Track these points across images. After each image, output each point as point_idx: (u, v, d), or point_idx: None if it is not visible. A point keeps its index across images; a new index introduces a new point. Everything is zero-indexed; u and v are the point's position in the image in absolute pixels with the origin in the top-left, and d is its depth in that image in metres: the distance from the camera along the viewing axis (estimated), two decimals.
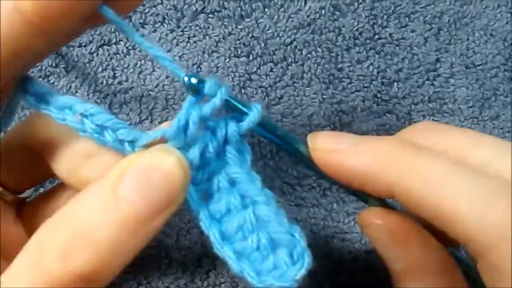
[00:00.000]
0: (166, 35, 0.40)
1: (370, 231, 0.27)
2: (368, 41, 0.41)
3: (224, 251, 0.23)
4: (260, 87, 0.40)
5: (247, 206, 0.25)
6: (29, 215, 0.31)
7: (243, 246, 0.24)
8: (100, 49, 0.39)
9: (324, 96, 0.40)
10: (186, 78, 0.25)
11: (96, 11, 0.24)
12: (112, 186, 0.22)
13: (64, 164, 0.27)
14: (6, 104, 0.26)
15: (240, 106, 0.26)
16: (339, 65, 0.41)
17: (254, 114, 0.25)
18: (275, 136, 0.27)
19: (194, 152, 0.24)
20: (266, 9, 0.41)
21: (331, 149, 0.26)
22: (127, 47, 0.40)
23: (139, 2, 0.27)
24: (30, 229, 0.30)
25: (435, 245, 0.26)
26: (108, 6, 0.24)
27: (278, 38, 0.40)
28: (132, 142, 0.24)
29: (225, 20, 0.40)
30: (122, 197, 0.22)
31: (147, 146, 0.24)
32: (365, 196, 0.27)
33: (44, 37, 0.23)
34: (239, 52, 0.40)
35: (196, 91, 0.24)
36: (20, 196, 0.31)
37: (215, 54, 0.40)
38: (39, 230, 0.23)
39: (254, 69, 0.40)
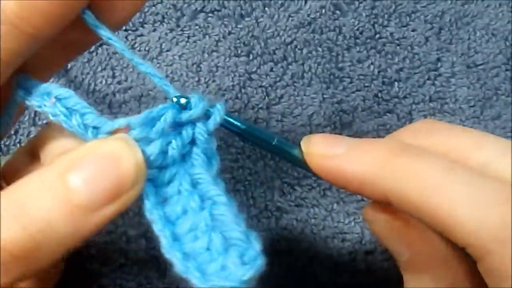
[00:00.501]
0: (166, 34, 0.40)
1: (374, 225, 0.27)
2: (369, 40, 0.41)
3: (172, 252, 0.22)
4: (260, 86, 0.40)
5: (205, 208, 0.24)
6: None
7: (193, 247, 0.23)
8: (99, 48, 0.39)
9: (324, 96, 0.40)
10: (174, 99, 0.24)
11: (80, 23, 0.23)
12: (61, 170, 0.22)
13: (53, 154, 0.26)
14: (8, 104, 0.26)
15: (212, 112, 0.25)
16: (340, 65, 0.40)
17: (217, 112, 0.25)
18: (257, 138, 0.27)
19: (155, 147, 0.23)
20: (266, 8, 0.41)
21: (326, 154, 0.26)
22: (126, 47, 0.40)
23: (136, 9, 0.27)
24: None
25: (437, 237, 0.26)
26: (95, 15, 0.24)
27: (278, 38, 0.40)
28: (96, 129, 0.24)
29: (225, 19, 0.40)
30: (67, 182, 0.21)
31: (112, 134, 0.23)
32: None
33: (29, 42, 0.23)
34: (239, 52, 0.40)
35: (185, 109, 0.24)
36: None
37: (215, 53, 0.40)
38: None
39: (254, 69, 0.40)
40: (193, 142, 0.25)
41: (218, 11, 0.40)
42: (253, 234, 0.23)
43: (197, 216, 0.24)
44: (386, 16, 0.41)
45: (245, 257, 0.22)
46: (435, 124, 0.28)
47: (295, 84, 0.40)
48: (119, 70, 0.39)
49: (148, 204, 0.23)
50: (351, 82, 0.40)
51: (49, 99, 0.24)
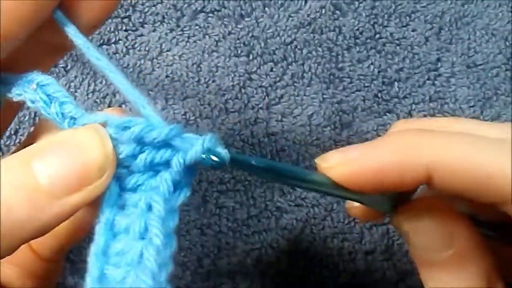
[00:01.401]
0: (166, 34, 0.40)
1: (410, 226, 0.26)
2: (368, 40, 0.41)
3: (92, 264, 0.21)
4: (260, 86, 0.40)
5: (143, 239, 0.22)
6: None
7: (111, 272, 0.22)
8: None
9: (324, 96, 0.40)
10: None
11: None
12: (26, 156, 0.21)
13: None
14: None
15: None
16: (340, 65, 0.40)
17: (199, 145, 0.22)
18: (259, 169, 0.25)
19: (127, 147, 0.22)
20: (266, 8, 0.41)
21: (348, 158, 0.25)
22: (126, 47, 0.40)
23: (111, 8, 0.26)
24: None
25: (476, 231, 0.26)
26: (67, 16, 0.24)
27: (278, 38, 0.40)
28: (73, 119, 0.23)
29: (225, 19, 0.40)
30: (31, 168, 0.21)
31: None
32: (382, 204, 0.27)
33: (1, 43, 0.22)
34: (239, 52, 0.40)
35: None
36: None
37: (215, 53, 0.40)
38: None
39: (254, 69, 0.40)
40: (167, 163, 0.23)
41: (218, 11, 0.40)
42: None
43: (132, 243, 0.22)
44: (386, 16, 0.41)
45: None
46: (431, 121, 0.28)
47: (295, 84, 0.40)
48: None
49: (105, 202, 0.22)
50: (351, 82, 0.40)
51: (30, 85, 0.24)
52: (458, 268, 0.25)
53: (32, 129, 0.38)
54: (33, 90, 0.24)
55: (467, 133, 0.25)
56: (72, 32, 0.24)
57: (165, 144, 0.22)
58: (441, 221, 0.26)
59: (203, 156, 0.22)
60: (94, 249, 0.22)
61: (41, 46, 0.26)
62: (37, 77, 0.24)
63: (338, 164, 0.25)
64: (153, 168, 0.23)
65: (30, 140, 0.28)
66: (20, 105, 0.26)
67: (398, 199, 0.26)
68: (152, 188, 0.23)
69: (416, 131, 0.25)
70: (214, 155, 0.22)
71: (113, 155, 0.22)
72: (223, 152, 0.22)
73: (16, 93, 0.24)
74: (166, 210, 0.22)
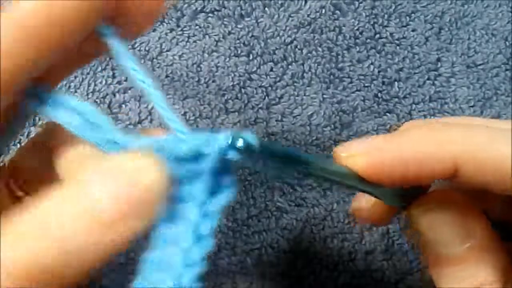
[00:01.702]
0: (166, 34, 0.40)
1: (428, 216, 0.25)
2: (368, 40, 0.41)
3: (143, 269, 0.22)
4: (260, 86, 0.40)
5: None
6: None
7: (151, 277, 0.22)
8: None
9: (324, 96, 0.40)
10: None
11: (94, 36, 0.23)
12: (86, 184, 0.21)
13: (70, 163, 0.26)
14: (18, 115, 0.26)
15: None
16: (340, 65, 0.40)
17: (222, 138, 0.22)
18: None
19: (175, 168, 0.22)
20: (266, 8, 0.41)
21: (374, 148, 0.24)
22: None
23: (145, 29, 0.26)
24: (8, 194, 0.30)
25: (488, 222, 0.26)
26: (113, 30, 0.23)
27: (278, 38, 0.40)
28: (117, 144, 0.23)
29: (225, 19, 0.40)
30: (93, 198, 0.21)
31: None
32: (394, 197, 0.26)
33: (45, 49, 0.22)
34: (239, 52, 0.40)
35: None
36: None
37: (215, 53, 0.40)
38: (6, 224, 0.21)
39: (254, 69, 0.40)
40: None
41: (218, 11, 0.40)
42: None
43: (170, 249, 0.22)
44: (386, 16, 0.41)
45: None
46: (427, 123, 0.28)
47: (295, 84, 0.40)
48: (119, 70, 0.39)
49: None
50: (351, 82, 0.40)
51: (71, 113, 0.24)
52: (475, 262, 0.25)
53: (32, 129, 0.38)
54: (73, 115, 0.24)
55: (486, 126, 0.24)
56: (117, 48, 0.24)
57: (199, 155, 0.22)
58: (457, 213, 0.25)
59: (230, 142, 0.22)
60: (148, 257, 0.22)
61: (76, 56, 0.26)
62: (77, 105, 0.24)
63: (360, 153, 0.24)
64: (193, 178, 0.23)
65: (38, 143, 0.28)
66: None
67: (411, 192, 0.26)
68: (192, 197, 0.23)
69: (441, 123, 0.25)
70: (240, 141, 0.22)
71: (169, 182, 0.22)
72: (250, 136, 0.22)
73: (54, 116, 0.24)
74: (201, 215, 0.22)
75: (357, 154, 0.24)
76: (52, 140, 0.27)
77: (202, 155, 0.22)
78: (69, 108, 0.24)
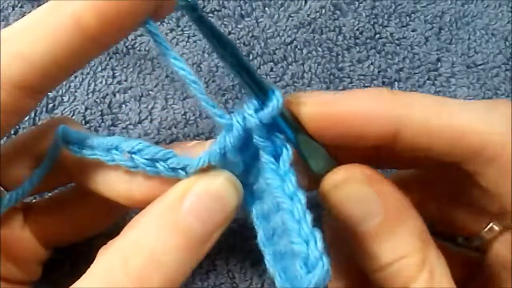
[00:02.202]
0: (166, 34, 0.40)
1: (340, 192, 0.26)
2: (368, 40, 0.41)
3: (264, 252, 0.25)
4: None
5: (280, 210, 0.25)
6: (35, 219, 0.31)
7: (276, 249, 0.25)
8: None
9: None
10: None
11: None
12: (173, 211, 0.24)
13: (102, 177, 0.27)
14: (48, 155, 0.28)
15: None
16: (340, 65, 0.40)
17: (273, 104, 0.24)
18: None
19: (239, 169, 0.25)
20: (266, 8, 0.41)
21: (323, 100, 0.25)
22: (126, 47, 0.40)
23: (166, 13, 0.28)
24: (36, 232, 0.31)
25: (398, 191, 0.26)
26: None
27: (278, 38, 0.40)
28: (183, 168, 0.25)
29: (225, 19, 0.40)
30: (183, 221, 0.23)
31: (198, 169, 0.25)
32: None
33: (97, 49, 0.24)
34: None
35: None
36: (28, 201, 0.31)
37: (215, 53, 0.40)
38: (106, 257, 0.24)
39: (254, 69, 0.40)
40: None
41: (218, 11, 0.40)
42: (315, 237, 0.23)
43: (275, 219, 0.25)
44: (386, 16, 0.41)
45: (308, 265, 0.22)
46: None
47: (295, 84, 0.40)
48: (119, 70, 0.39)
49: (245, 205, 0.26)
50: (351, 82, 0.40)
51: (121, 153, 0.25)
52: (389, 236, 0.24)
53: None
54: (128, 158, 0.25)
55: (436, 96, 0.26)
56: (162, 42, 0.25)
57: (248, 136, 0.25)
58: (365, 187, 0.25)
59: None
60: (260, 243, 0.25)
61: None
62: (125, 144, 0.25)
63: (311, 103, 0.25)
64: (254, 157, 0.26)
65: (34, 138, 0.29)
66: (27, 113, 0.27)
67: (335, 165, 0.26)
68: (261, 171, 0.25)
69: (390, 90, 0.26)
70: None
71: (241, 189, 0.25)
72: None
73: (108, 160, 0.26)
74: (281, 176, 0.24)
75: (308, 103, 0.25)
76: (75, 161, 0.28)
77: (248, 135, 0.25)
78: (121, 151, 0.25)
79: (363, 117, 0.25)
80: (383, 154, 0.27)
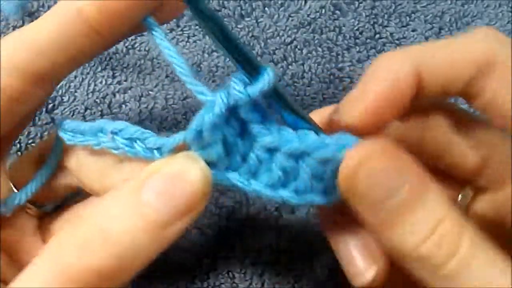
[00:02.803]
0: (166, 34, 0.40)
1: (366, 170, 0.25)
2: (368, 40, 0.41)
3: (278, 195, 0.25)
4: None
5: (299, 159, 0.25)
6: (47, 227, 0.31)
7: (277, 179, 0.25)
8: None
9: (324, 96, 0.40)
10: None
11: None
12: (135, 190, 0.23)
13: (92, 171, 0.28)
14: (52, 151, 0.28)
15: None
16: (340, 65, 0.40)
17: (264, 80, 0.24)
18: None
19: (218, 150, 0.25)
20: (266, 8, 0.41)
21: (352, 99, 0.26)
22: (126, 47, 0.40)
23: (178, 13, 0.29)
24: (47, 240, 0.31)
25: None
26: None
27: (278, 38, 0.40)
28: (159, 149, 0.25)
29: (225, 19, 0.40)
30: (144, 202, 0.23)
31: (175, 151, 0.25)
32: None
33: (101, 42, 0.25)
34: None
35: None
36: (42, 209, 0.32)
37: (214, 53, 0.40)
38: (64, 229, 0.24)
39: None
40: (243, 121, 0.25)
41: (218, 11, 0.40)
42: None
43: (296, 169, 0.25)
44: (386, 16, 0.41)
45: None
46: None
47: (295, 84, 0.40)
48: (119, 70, 0.39)
49: (246, 188, 0.25)
50: (351, 82, 0.40)
51: (105, 135, 0.26)
52: (420, 204, 0.23)
53: (32, 129, 0.38)
54: (110, 139, 0.25)
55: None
56: (159, 37, 0.26)
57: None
58: (382, 164, 0.24)
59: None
60: (264, 192, 0.25)
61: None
62: (108, 125, 0.26)
63: (346, 110, 0.26)
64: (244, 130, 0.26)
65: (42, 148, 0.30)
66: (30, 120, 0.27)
67: None
68: (252, 143, 0.25)
69: (398, 51, 0.27)
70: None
71: (211, 179, 0.24)
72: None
73: (93, 144, 0.26)
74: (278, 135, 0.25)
75: (345, 112, 0.26)
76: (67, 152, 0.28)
77: (233, 113, 0.24)
78: (106, 132, 0.26)
79: (387, 84, 0.26)
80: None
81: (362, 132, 0.26)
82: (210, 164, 0.24)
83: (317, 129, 0.26)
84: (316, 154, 0.25)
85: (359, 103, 0.26)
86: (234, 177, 0.25)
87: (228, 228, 0.38)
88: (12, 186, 0.29)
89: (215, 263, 0.37)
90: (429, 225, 0.23)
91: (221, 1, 0.40)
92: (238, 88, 0.24)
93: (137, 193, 0.23)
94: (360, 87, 0.26)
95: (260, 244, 0.37)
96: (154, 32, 0.26)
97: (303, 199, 0.26)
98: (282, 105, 0.26)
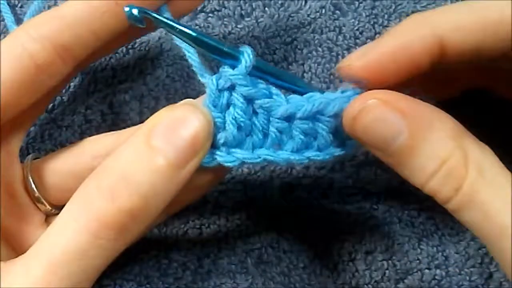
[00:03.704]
0: (166, 34, 0.40)
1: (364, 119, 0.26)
2: (369, 40, 0.41)
3: (305, 157, 0.28)
4: None
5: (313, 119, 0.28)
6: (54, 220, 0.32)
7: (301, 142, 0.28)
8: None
9: None
10: (128, 10, 0.28)
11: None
12: (145, 138, 0.25)
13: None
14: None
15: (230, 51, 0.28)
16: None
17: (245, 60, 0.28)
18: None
19: (231, 130, 0.28)
20: (266, 8, 0.41)
21: (365, 50, 0.27)
22: (126, 47, 0.40)
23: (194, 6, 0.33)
24: None
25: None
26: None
27: (278, 38, 0.40)
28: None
29: (225, 19, 0.40)
30: (154, 147, 0.25)
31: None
32: None
33: (120, 22, 0.28)
34: None
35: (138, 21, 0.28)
36: (53, 210, 0.32)
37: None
38: (84, 183, 0.26)
39: None
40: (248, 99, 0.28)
41: (218, 11, 0.40)
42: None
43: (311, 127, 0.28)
44: (386, 16, 0.41)
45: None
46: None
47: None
48: (119, 70, 0.39)
49: (278, 161, 0.28)
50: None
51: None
52: (422, 143, 0.25)
53: (32, 128, 0.38)
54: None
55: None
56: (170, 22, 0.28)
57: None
58: (381, 109, 0.25)
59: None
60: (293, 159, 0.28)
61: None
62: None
63: (356, 57, 0.27)
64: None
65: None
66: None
67: None
68: (264, 117, 0.28)
69: (417, 14, 0.27)
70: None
71: (212, 121, 0.27)
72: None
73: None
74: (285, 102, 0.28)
75: (354, 59, 0.27)
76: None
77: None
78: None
79: (404, 44, 0.26)
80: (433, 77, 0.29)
81: (368, 85, 0.27)
82: (237, 146, 0.28)
83: (314, 89, 0.29)
84: (328, 111, 0.27)
85: (364, 55, 0.27)
86: (263, 153, 0.28)
87: (228, 228, 0.38)
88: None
89: (215, 263, 0.37)
90: (435, 164, 0.24)
91: (221, 1, 0.40)
92: (227, 70, 0.28)
93: (148, 140, 0.25)
94: (376, 41, 0.28)
95: (261, 244, 0.38)
96: (167, 21, 0.28)
97: (326, 154, 0.28)
98: (276, 77, 0.29)
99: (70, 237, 0.24)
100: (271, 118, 0.28)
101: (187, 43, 0.28)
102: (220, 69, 0.28)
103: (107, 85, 0.39)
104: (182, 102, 0.27)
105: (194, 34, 0.28)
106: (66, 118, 0.38)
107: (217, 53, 0.28)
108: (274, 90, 0.28)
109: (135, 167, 0.25)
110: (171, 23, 0.28)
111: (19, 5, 0.40)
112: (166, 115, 0.26)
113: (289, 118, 0.28)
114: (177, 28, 0.28)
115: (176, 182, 0.26)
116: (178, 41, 0.28)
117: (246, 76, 0.28)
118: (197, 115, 0.26)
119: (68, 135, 0.38)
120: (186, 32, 0.28)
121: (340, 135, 0.28)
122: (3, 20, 0.39)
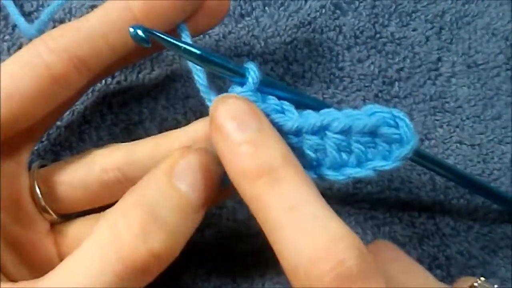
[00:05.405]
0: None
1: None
2: (369, 40, 0.41)
3: (345, 174, 0.29)
4: None
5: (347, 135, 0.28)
6: (60, 229, 0.32)
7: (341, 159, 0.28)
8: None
9: (325, 96, 0.40)
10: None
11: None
12: (168, 177, 0.26)
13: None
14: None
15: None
16: (340, 64, 0.40)
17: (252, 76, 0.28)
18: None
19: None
20: (266, 8, 0.40)
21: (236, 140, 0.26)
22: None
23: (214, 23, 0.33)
24: (57, 244, 0.32)
25: None
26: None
27: (278, 37, 0.40)
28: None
29: (225, 19, 0.40)
30: (178, 187, 0.25)
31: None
32: None
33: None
34: (239, 51, 0.40)
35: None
36: (59, 219, 0.32)
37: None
38: (110, 214, 0.25)
39: None
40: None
41: None
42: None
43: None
44: (386, 15, 0.41)
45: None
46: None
47: (296, 84, 0.40)
48: (119, 70, 0.39)
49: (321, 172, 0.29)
50: (351, 82, 0.40)
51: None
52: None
53: None
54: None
55: None
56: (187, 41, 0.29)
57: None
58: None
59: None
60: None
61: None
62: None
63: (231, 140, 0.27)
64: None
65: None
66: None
67: None
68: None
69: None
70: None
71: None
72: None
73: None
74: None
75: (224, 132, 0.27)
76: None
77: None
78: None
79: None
80: None
81: None
82: None
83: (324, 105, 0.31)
84: (358, 127, 0.28)
85: None
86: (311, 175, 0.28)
87: (228, 228, 0.38)
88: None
89: (216, 264, 0.37)
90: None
91: None
92: (236, 88, 0.28)
93: (170, 180, 0.26)
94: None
95: (261, 244, 0.37)
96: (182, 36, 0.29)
97: (366, 168, 0.28)
98: (287, 92, 0.30)
99: (93, 276, 0.23)
100: (303, 136, 0.28)
101: (193, 62, 0.28)
102: (229, 90, 0.29)
103: (106, 85, 0.39)
104: (205, 148, 0.28)
105: (198, 52, 0.27)
106: (65, 118, 0.38)
107: (224, 71, 0.28)
108: (286, 105, 0.28)
109: (164, 206, 0.25)
110: (175, 42, 0.27)
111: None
112: (192, 157, 0.27)
113: (321, 133, 0.28)
114: (182, 46, 0.27)
115: (195, 223, 0.26)
116: (189, 63, 0.29)
117: (256, 92, 0.28)
118: (219, 168, 0.26)
119: (67, 135, 0.38)
120: (191, 51, 0.27)
121: (378, 149, 0.29)
122: (3, 19, 0.39)
